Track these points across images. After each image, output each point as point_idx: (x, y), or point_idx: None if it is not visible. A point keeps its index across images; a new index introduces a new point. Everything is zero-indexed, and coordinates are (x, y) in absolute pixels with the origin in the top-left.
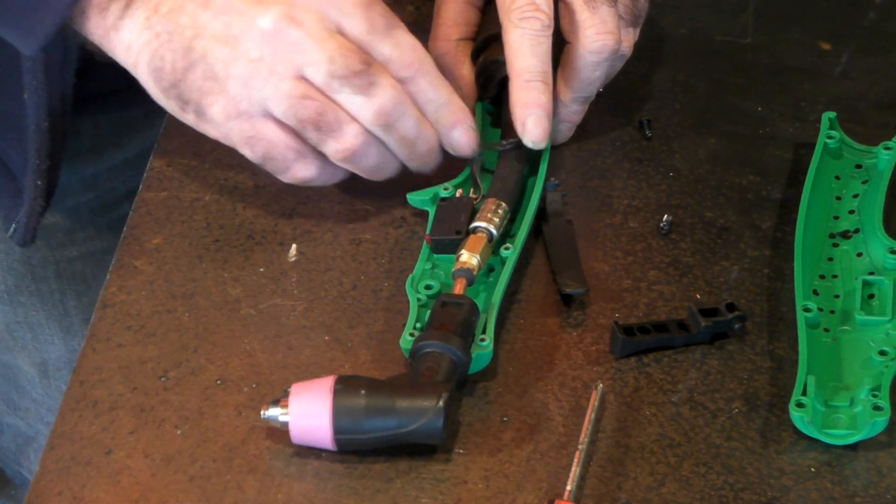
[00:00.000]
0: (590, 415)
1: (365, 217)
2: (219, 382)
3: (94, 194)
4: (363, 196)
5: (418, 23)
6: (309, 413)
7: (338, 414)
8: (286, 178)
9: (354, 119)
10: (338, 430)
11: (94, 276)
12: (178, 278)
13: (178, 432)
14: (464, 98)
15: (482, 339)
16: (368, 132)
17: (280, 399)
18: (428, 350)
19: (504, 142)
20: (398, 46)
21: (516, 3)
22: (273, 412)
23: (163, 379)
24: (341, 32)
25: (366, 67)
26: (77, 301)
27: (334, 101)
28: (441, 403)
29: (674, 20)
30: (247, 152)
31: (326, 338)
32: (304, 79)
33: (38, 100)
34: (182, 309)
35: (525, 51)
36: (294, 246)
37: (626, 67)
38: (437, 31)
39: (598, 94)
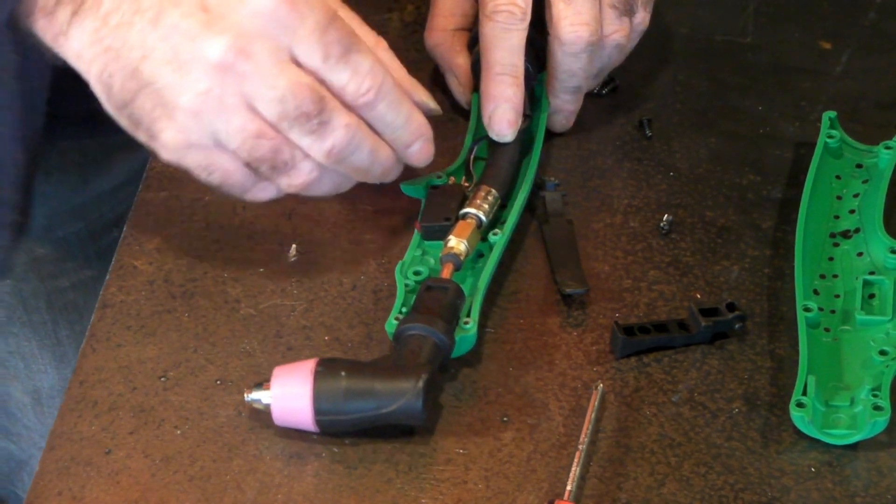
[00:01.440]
0: (590, 415)
1: (365, 217)
2: (218, 382)
3: (82, 224)
4: (363, 196)
5: (418, 22)
6: (290, 395)
7: (318, 395)
8: (247, 199)
9: (308, 156)
10: (318, 411)
11: (86, 304)
12: (177, 278)
13: (178, 432)
14: (460, 87)
15: (466, 323)
16: (322, 165)
17: (263, 382)
18: (411, 333)
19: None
20: (355, 74)
21: None
22: (256, 395)
23: (162, 379)
24: (295, 61)
25: (318, 107)
26: (69, 330)
27: (287, 138)
28: (420, 385)
29: (674, 19)
30: (202, 178)
31: (326, 338)
32: (255, 112)
33: (13, 133)
34: (182, 309)
35: (495, 44)
36: (294, 246)
37: (626, 67)
38: (434, 21)
39: (598, 95)
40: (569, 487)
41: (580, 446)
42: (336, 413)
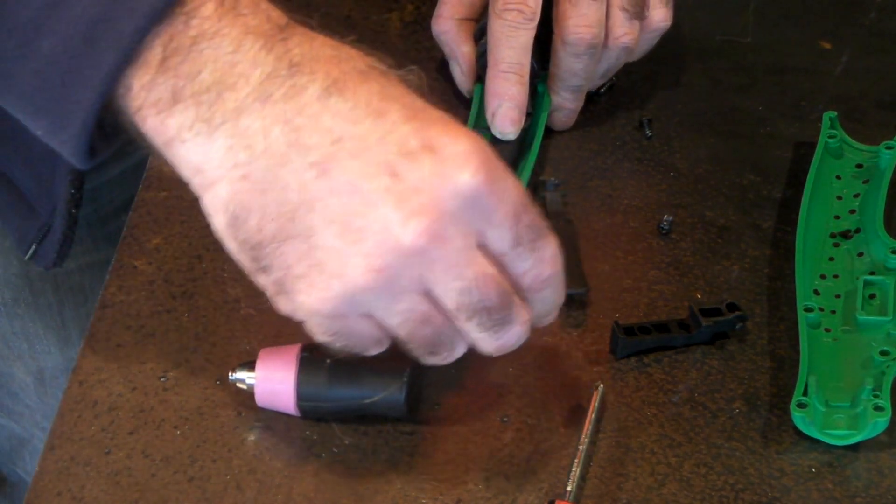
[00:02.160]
0: (590, 415)
1: None
2: (218, 383)
3: (92, 207)
4: None
5: (418, 21)
6: (274, 378)
7: (302, 380)
8: (353, 351)
9: (466, 341)
10: (301, 396)
11: (92, 287)
12: (177, 278)
13: (178, 433)
14: (464, 76)
15: None
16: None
17: (248, 362)
18: None
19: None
20: (539, 262)
21: None
22: (240, 374)
23: (162, 379)
24: (484, 245)
25: (502, 303)
26: (75, 312)
27: (453, 324)
28: (404, 378)
29: (674, 19)
30: (316, 334)
31: None
32: (428, 296)
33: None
34: (182, 309)
35: (503, 41)
36: None
37: (626, 67)
38: (442, 9)
39: (596, 94)
40: (569, 488)
41: (580, 446)
42: (318, 399)
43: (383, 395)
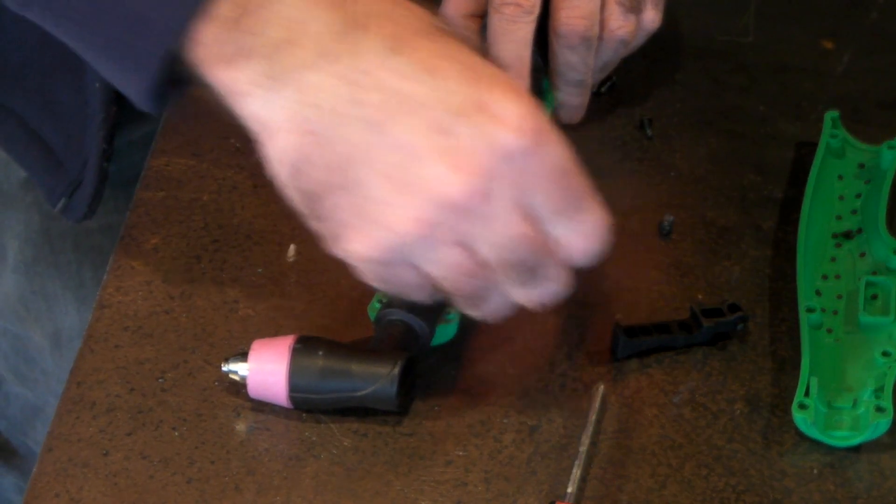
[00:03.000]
0: (591, 416)
1: None
2: (217, 384)
3: (115, 168)
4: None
5: None
6: (266, 369)
7: (294, 372)
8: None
9: (504, 296)
10: (293, 387)
11: (112, 248)
12: (176, 279)
13: (176, 434)
14: None
15: (448, 313)
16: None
17: (241, 353)
18: (391, 318)
19: None
20: (579, 232)
21: None
22: (233, 366)
23: (160, 380)
24: (527, 205)
25: (536, 264)
26: (93, 273)
27: (492, 277)
28: (396, 370)
29: (674, 19)
30: (366, 279)
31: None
32: (470, 250)
33: (109, 92)
34: (180, 310)
35: (501, 36)
36: (293, 246)
37: (626, 66)
38: (446, 6)
39: (597, 93)
40: (569, 489)
41: (581, 448)
42: (310, 391)
43: (375, 388)
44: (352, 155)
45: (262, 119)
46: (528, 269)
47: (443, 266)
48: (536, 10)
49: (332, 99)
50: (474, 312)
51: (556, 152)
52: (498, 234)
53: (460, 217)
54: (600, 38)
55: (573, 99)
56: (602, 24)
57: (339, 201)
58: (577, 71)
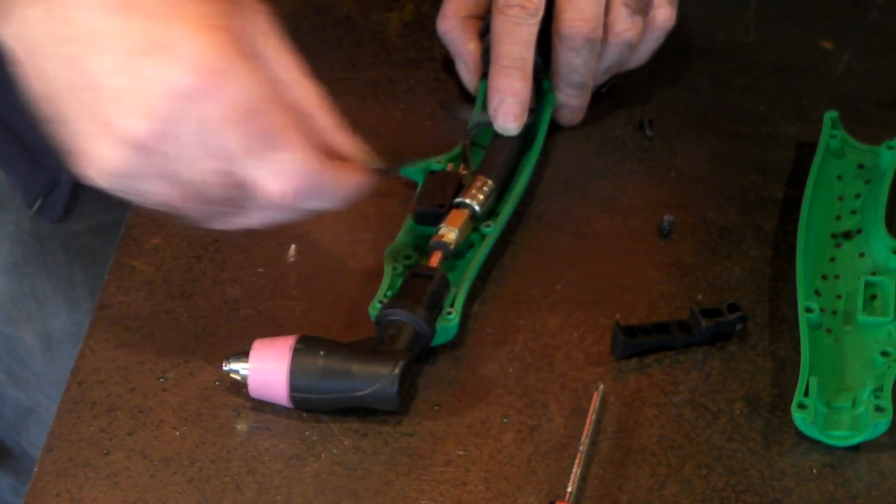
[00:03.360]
0: (591, 416)
1: (364, 217)
2: (217, 383)
3: None
4: (363, 196)
5: (418, 21)
6: (267, 369)
7: (295, 372)
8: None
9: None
10: (294, 387)
11: (102, 249)
12: (176, 279)
13: (177, 433)
14: (469, 73)
15: (449, 313)
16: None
17: (242, 353)
18: (392, 318)
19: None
20: (271, 171)
21: None
22: (234, 365)
23: (161, 380)
24: (216, 145)
25: (236, 198)
26: (84, 274)
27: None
28: (396, 371)
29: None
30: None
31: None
32: (169, 181)
33: None
34: (181, 309)
35: (505, 37)
36: (293, 246)
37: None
38: (447, 7)
39: (599, 94)
40: (569, 489)
41: (581, 448)
42: (311, 391)
43: (375, 388)
44: (59, 90)
45: (6, 45)
46: (229, 203)
47: (157, 195)
48: (541, 12)
49: (40, 35)
50: (212, 227)
51: (239, 92)
52: (187, 171)
53: (149, 156)
54: (605, 40)
55: (573, 101)
56: (607, 26)
57: (60, 130)
58: (579, 73)
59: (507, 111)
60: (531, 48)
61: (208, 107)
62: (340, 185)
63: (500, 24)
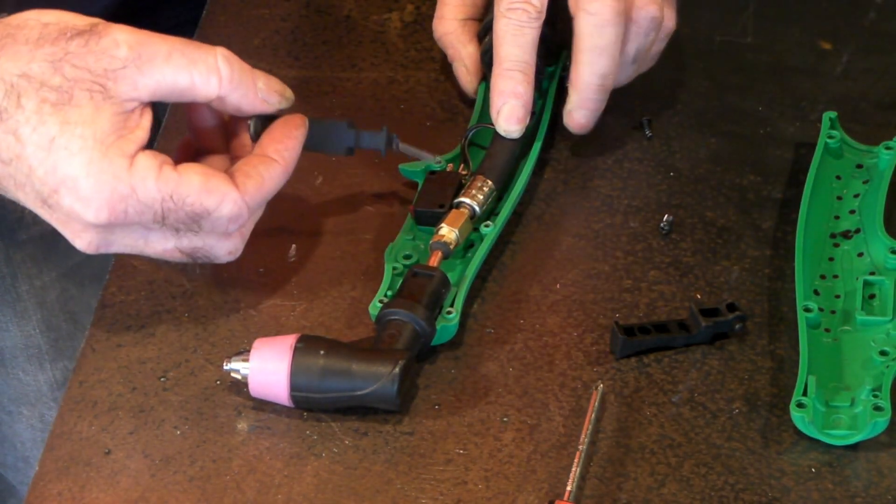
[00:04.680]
0: (590, 415)
1: (365, 217)
2: (218, 383)
3: None
4: (363, 196)
5: (418, 21)
6: (268, 368)
7: (295, 371)
8: None
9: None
10: (294, 387)
11: (45, 258)
12: (177, 278)
13: (178, 433)
14: (468, 76)
15: (449, 312)
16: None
17: (243, 352)
18: (392, 317)
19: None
20: (210, 246)
21: None
22: (235, 364)
23: (162, 379)
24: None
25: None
26: (29, 285)
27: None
28: (396, 370)
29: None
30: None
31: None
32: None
33: None
34: (182, 309)
35: (508, 40)
36: (294, 246)
37: None
38: (443, 11)
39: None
40: (569, 488)
41: (580, 447)
42: (311, 391)
43: (376, 387)
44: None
45: None
46: (201, 253)
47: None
48: (543, 15)
49: None
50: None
51: (143, 209)
52: (146, 249)
53: (110, 241)
54: (630, 18)
55: (591, 104)
56: (630, 3)
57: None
58: (605, 58)
59: (510, 114)
60: (534, 51)
61: (129, 227)
62: (277, 177)
63: (503, 27)
